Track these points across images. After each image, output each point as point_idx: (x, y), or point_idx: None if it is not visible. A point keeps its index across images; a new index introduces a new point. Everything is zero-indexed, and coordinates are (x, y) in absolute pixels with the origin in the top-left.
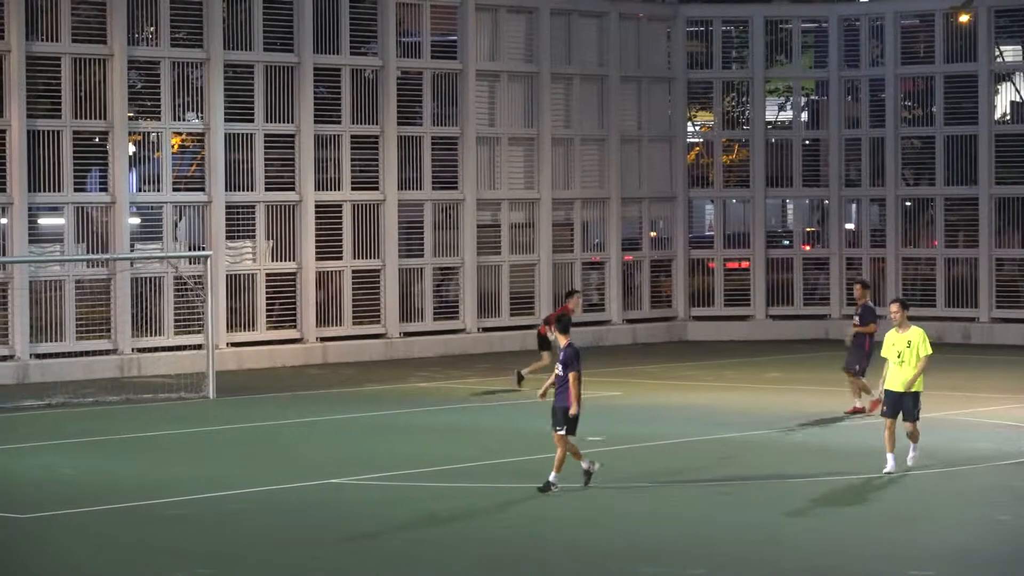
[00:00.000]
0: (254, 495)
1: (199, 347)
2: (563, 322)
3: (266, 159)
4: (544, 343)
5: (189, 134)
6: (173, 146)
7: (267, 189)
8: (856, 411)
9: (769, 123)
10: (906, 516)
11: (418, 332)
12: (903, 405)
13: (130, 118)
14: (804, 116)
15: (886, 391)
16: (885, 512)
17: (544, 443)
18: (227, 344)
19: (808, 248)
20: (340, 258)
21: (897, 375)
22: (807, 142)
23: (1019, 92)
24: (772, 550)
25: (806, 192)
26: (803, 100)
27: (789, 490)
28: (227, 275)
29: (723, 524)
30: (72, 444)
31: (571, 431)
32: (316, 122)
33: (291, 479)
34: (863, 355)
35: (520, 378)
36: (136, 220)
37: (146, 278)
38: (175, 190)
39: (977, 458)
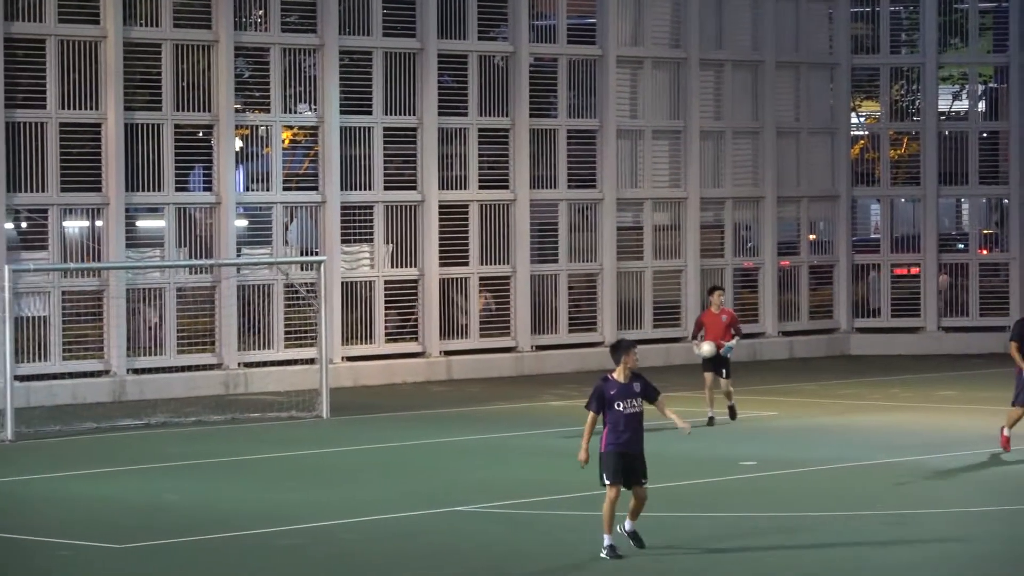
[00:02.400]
0: (368, 524)
1: (311, 361)
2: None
3: (385, 155)
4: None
5: (301, 128)
6: (284, 141)
7: (386, 188)
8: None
9: (942, 114)
10: None
11: (552, 345)
12: None
13: (237, 110)
14: (981, 106)
15: None
16: None
17: (686, 468)
18: (342, 358)
19: (985, 252)
20: (466, 264)
21: None
22: (984, 135)
23: None
24: None
25: (983, 190)
26: (980, 88)
27: (971, 521)
28: (342, 282)
29: (897, 558)
30: (173, 468)
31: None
32: (440, 114)
33: (410, 507)
34: None
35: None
36: (243, 222)
37: (254, 286)
38: (286, 189)
39: None
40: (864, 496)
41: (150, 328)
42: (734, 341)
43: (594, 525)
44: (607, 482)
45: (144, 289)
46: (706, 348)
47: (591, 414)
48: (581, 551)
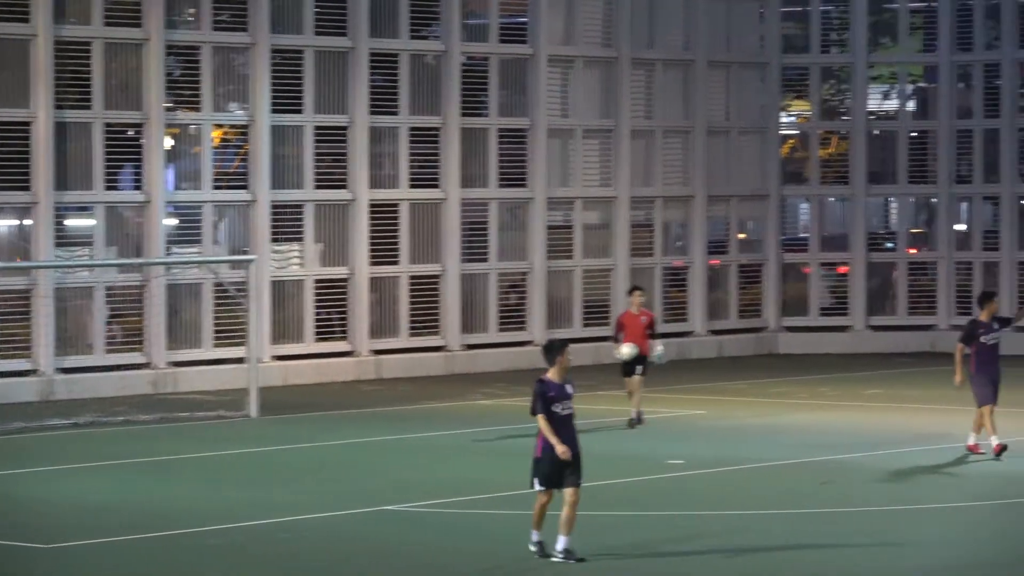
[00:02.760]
0: (298, 523)
1: (241, 361)
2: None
3: (316, 154)
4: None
5: (232, 126)
6: (214, 140)
7: (317, 187)
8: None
9: (872, 113)
10: None
11: (482, 344)
12: None
13: (167, 109)
14: (911, 105)
15: None
16: (1007, 545)
17: (613, 467)
18: (271, 357)
19: (914, 251)
20: (396, 263)
21: None
22: (914, 134)
23: None
24: None
25: (912, 189)
26: (910, 87)
27: (898, 518)
28: (272, 281)
29: (824, 555)
30: (102, 467)
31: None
32: (371, 113)
33: (340, 506)
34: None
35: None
36: (173, 221)
37: (183, 285)
38: (216, 188)
39: None
40: (791, 495)
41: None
42: (661, 347)
43: (524, 523)
44: (539, 488)
45: (73, 288)
46: (626, 351)
47: (541, 417)
48: (511, 550)
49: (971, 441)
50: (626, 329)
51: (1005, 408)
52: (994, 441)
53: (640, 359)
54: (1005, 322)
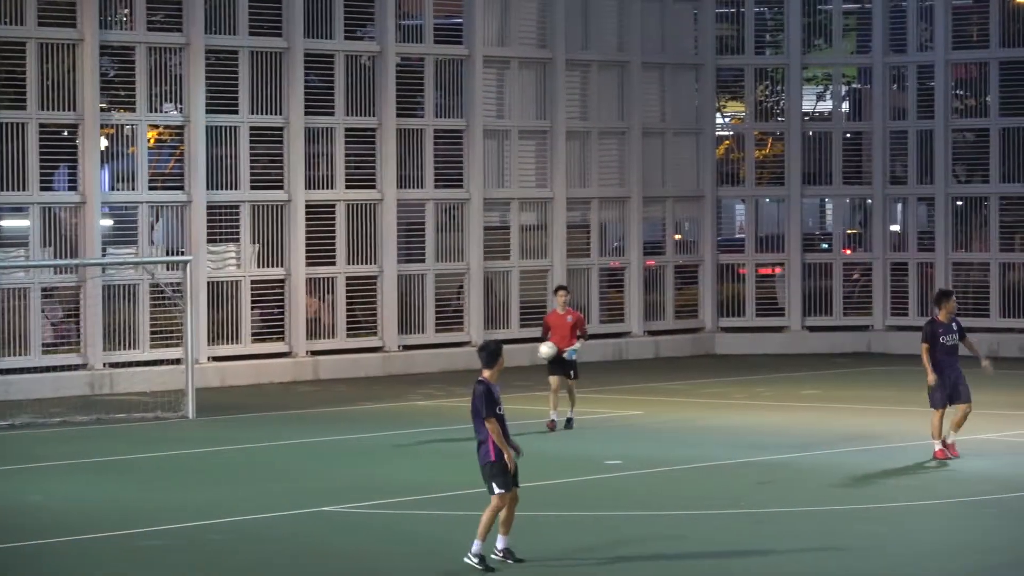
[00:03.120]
0: (237, 524)
1: (178, 362)
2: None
3: (252, 155)
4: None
5: (167, 127)
6: (149, 140)
7: (253, 188)
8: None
9: (806, 114)
10: (967, 545)
11: (419, 345)
12: None
13: (102, 109)
14: (845, 107)
15: None
16: (943, 540)
17: (551, 467)
18: (208, 358)
19: (849, 252)
20: (333, 263)
21: None
22: (848, 135)
23: None
24: None
25: (847, 190)
26: (844, 89)
27: (832, 519)
28: (208, 282)
29: (762, 556)
30: (38, 469)
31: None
32: (307, 114)
33: (277, 507)
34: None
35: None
36: (108, 222)
37: (119, 286)
38: (151, 189)
39: None
40: (728, 495)
41: (54, 324)
42: (578, 344)
43: (461, 524)
44: (500, 490)
45: (8, 289)
46: (545, 350)
47: (493, 420)
48: (448, 551)
49: (944, 443)
50: (552, 329)
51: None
52: (937, 446)
53: (570, 363)
54: (963, 334)
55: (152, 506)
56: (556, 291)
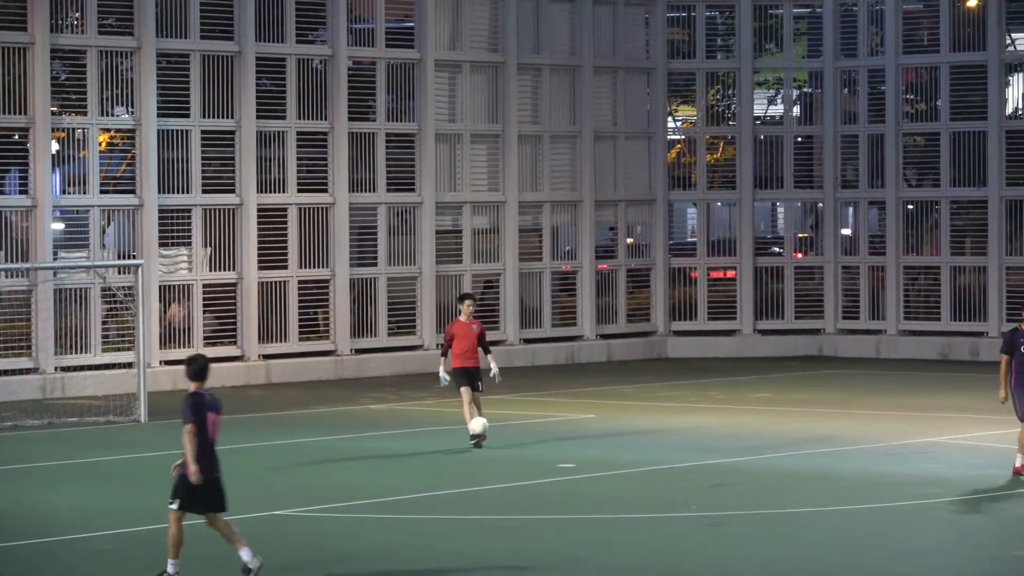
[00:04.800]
0: (191, 528)
1: (129, 366)
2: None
3: (203, 158)
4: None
5: (118, 131)
6: (101, 144)
7: (204, 191)
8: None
9: (758, 118)
10: (923, 548)
11: (371, 349)
12: None
13: (53, 113)
14: (796, 111)
15: None
16: (891, 544)
17: (503, 471)
18: (160, 362)
19: (800, 256)
20: (285, 267)
21: None
22: (799, 139)
23: None
24: None
25: (798, 194)
26: (795, 93)
27: (786, 521)
28: (160, 286)
29: (715, 559)
30: None
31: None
32: (259, 117)
33: (230, 511)
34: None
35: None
36: (60, 225)
37: (71, 289)
38: (103, 192)
39: (989, 487)
40: (680, 498)
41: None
42: (494, 365)
43: (417, 528)
44: (171, 505)
45: None
46: (444, 379)
47: (191, 428)
48: (400, 554)
49: (1017, 463)
50: (457, 339)
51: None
52: (1018, 461)
53: (473, 372)
54: None
55: (106, 510)
56: (462, 299)
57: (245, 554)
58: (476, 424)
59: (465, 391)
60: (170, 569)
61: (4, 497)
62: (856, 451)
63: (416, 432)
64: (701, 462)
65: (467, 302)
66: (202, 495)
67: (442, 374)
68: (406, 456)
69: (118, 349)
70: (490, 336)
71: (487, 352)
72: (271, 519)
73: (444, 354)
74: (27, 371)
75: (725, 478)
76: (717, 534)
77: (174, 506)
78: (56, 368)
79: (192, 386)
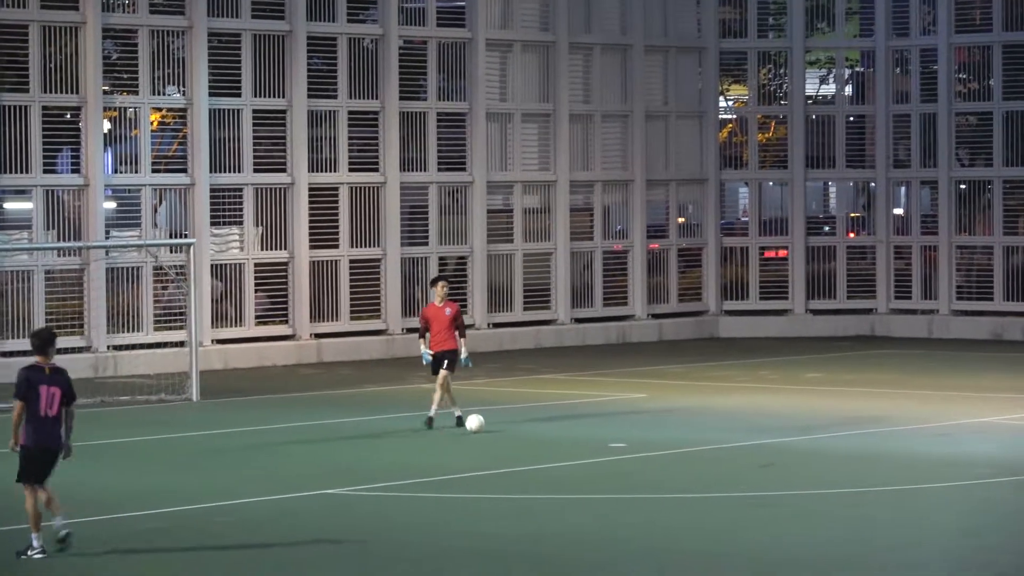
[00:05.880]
0: (238, 507)
1: (181, 344)
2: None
3: (255, 137)
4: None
5: (170, 110)
6: (152, 123)
7: (256, 171)
8: None
9: (809, 98)
10: (965, 530)
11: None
12: None
13: (105, 92)
14: (848, 90)
15: None
16: (944, 524)
17: (554, 450)
18: (212, 341)
19: (852, 235)
20: (336, 246)
21: None
22: (851, 119)
23: None
24: (819, 565)
25: (850, 174)
26: (847, 72)
27: (837, 501)
28: (212, 265)
29: (764, 538)
30: None
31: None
32: (310, 97)
33: (279, 490)
34: None
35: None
36: (112, 204)
37: (123, 268)
38: (155, 171)
39: None
40: (730, 478)
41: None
42: (464, 350)
43: (465, 507)
44: (19, 480)
45: (12, 271)
46: (426, 358)
47: (19, 403)
48: (447, 532)
49: None
50: (431, 322)
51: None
52: None
53: (447, 354)
54: None
55: (155, 488)
56: (435, 283)
57: (57, 521)
58: (473, 422)
59: (442, 376)
60: (34, 543)
61: (55, 475)
62: (908, 431)
63: (466, 411)
64: (751, 442)
65: (440, 284)
66: (38, 465)
67: (424, 350)
68: (456, 435)
69: (170, 328)
70: (542, 316)
71: (462, 335)
72: (321, 497)
73: (422, 336)
74: (80, 350)
75: (775, 458)
76: (766, 514)
77: (21, 481)
78: (108, 347)
79: (38, 360)
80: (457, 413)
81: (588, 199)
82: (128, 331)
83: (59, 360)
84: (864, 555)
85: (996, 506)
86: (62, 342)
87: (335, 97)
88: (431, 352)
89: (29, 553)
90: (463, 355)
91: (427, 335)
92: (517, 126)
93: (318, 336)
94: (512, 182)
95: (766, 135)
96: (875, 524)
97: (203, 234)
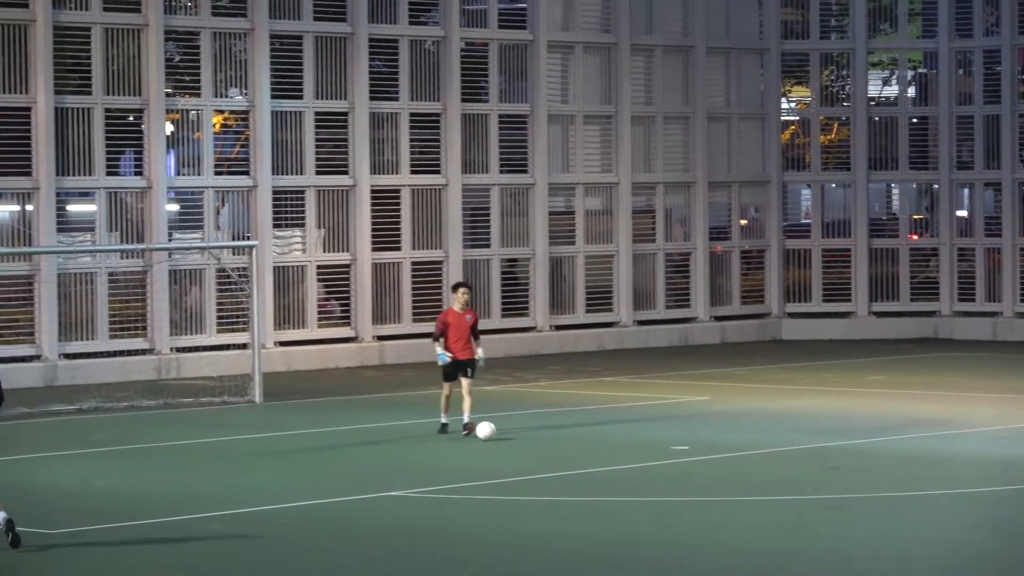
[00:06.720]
0: (301, 509)
1: (244, 347)
2: None
3: (317, 140)
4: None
5: (232, 112)
6: (215, 125)
7: (318, 173)
8: None
9: (872, 99)
10: None
11: (484, 330)
12: None
13: (167, 95)
14: (911, 91)
15: None
16: (1009, 529)
17: (616, 452)
18: (274, 343)
19: (915, 237)
20: (398, 248)
21: None
22: (914, 120)
23: None
24: (886, 567)
25: (913, 176)
26: (910, 74)
27: (901, 503)
28: (274, 267)
29: (829, 541)
30: (105, 453)
31: None
32: (372, 99)
33: (342, 492)
34: None
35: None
36: (174, 207)
37: (186, 270)
38: (217, 174)
39: None
40: (794, 480)
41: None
42: (481, 351)
43: (526, 509)
44: None
45: (75, 273)
46: (442, 358)
47: None
48: (508, 535)
49: None
50: (451, 327)
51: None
52: None
53: (468, 362)
54: None
55: (218, 490)
56: (456, 288)
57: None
58: (484, 429)
59: (448, 386)
60: None
61: (119, 477)
62: (972, 434)
63: (529, 414)
64: (815, 444)
65: (461, 291)
66: None
67: (440, 351)
68: (519, 437)
69: (233, 330)
70: (605, 318)
71: (478, 341)
72: (384, 499)
73: (436, 339)
74: (143, 352)
75: (840, 461)
76: (831, 517)
77: None
78: (171, 349)
79: None
80: (465, 420)
81: (650, 201)
82: (191, 333)
83: (121, 363)
84: (932, 557)
85: None
86: (125, 345)
87: (397, 99)
88: (448, 355)
89: None
90: (481, 360)
91: (442, 339)
92: (579, 128)
93: (380, 338)
94: (574, 184)
95: (829, 137)
96: (943, 526)
97: (265, 236)
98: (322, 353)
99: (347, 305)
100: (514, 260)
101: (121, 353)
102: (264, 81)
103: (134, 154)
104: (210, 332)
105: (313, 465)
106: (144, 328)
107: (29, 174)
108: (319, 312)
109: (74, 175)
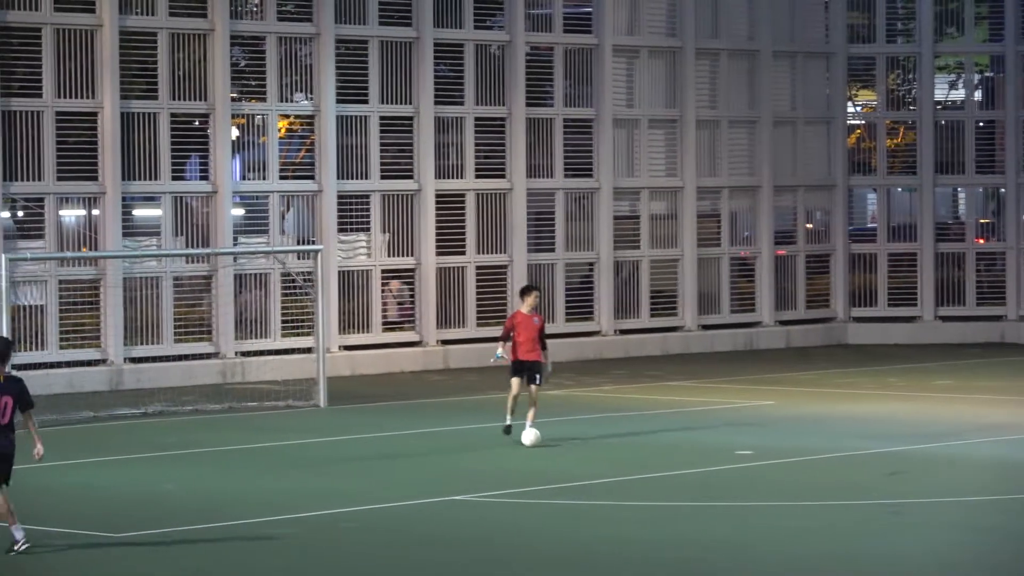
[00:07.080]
0: (367, 513)
1: (309, 351)
2: None
3: (382, 144)
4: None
5: (297, 117)
6: (280, 130)
7: (383, 177)
8: None
9: (938, 103)
10: None
11: (550, 334)
12: None
13: (233, 99)
14: (978, 95)
15: None
16: None
17: (681, 457)
18: (339, 347)
19: (982, 242)
20: (463, 253)
21: None
22: (981, 124)
23: None
24: (952, 573)
25: (980, 180)
26: (976, 77)
27: (967, 509)
28: (339, 271)
29: (895, 546)
30: (170, 457)
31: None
32: (437, 103)
33: (408, 496)
34: None
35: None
36: (240, 211)
37: (251, 275)
38: (282, 178)
39: None
40: (859, 485)
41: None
42: (549, 364)
43: (590, 513)
44: None
45: (140, 278)
46: (498, 353)
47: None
48: (577, 539)
49: None
50: (518, 328)
51: None
52: None
53: (534, 365)
54: None
55: (283, 494)
56: (526, 291)
57: (18, 532)
58: (529, 436)
59: (516, 383)
60: (16, 535)
61: (185, 480)
62: None
63: (593, 418)
64: (881, 449)
65: (532, 294)
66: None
67: (500, 352)
68: (583, 442)
69: (298, 334)
70: (670, 323)
71: (544, 347)
72: (449, 504)
73: (503, 341)
74: (208, 356)
75: (905, 465)
76: (897, 521)
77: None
78: (236, 353)
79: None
80: (518, 423)
81: (715, 205)
82: (256, 337)
83: (187, 367)
84: (999, 565)
85: None
86: (190, 348)
87: (462, 103)
88: (505, 354)
89: (16, 548)
90: (548, 369)
91: (508, 344)
92: (644, 132)
93: (445, 343)
94: (639, 188)
95: (895, 140)
96: (1007, 532)
97: (330, 241)
98: (386, 357)
99: (412, 309)
100: (581, 264)
101: (186, 357)
102: (329, 85)
103: (199, 159)
104: (275, 336)
105: (378, 469)
106: (209, 332)
107: (95, 179)
108: (392, 298)
109: (140, 180)
